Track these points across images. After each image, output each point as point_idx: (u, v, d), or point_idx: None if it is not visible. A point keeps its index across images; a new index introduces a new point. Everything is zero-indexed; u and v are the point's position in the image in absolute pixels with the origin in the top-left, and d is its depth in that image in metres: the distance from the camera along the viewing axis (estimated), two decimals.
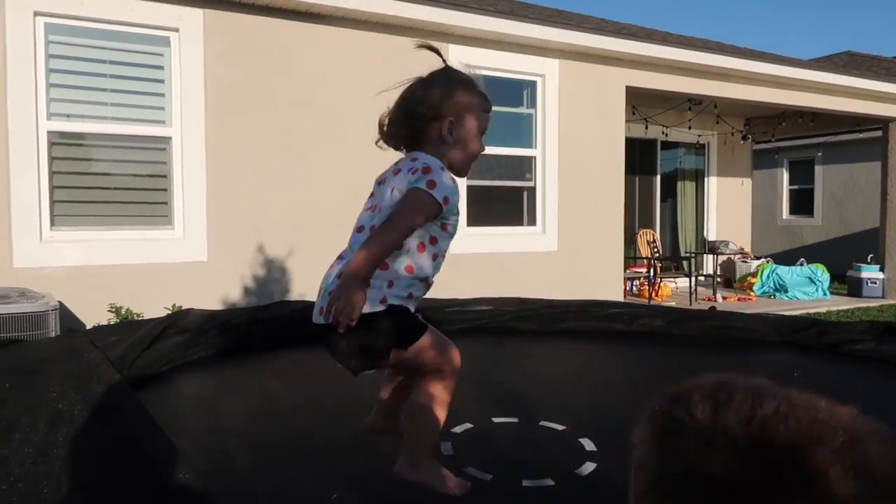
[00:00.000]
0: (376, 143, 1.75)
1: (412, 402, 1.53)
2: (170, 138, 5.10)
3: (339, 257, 1.65)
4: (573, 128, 6.78)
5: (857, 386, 2.07)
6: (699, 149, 10.91)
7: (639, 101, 8.92)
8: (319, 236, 5.56)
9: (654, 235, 10.20)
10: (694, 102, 8.79)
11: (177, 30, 5.04)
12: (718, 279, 10.74)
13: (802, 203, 14.07)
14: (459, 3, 6.13)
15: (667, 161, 10.96)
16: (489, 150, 6.95)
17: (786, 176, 14.40)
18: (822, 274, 9.70)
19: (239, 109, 5.28)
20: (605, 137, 6.99)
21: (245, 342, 2.63)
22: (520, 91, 6.71)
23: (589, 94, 6.87)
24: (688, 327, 2.84)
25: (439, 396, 1.50)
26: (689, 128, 9.70)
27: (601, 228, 7.04)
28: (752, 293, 9.60)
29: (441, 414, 1.50)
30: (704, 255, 10.53)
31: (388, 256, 1.48)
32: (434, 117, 1.65)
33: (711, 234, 10.86)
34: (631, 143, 10.34)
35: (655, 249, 9.80)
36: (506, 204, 6.91)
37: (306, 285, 5.41)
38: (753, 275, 9.89)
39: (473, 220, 6.53)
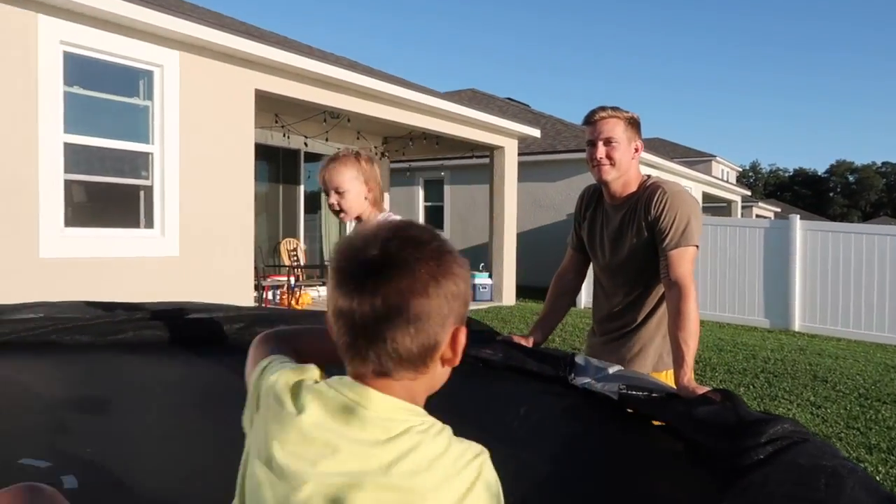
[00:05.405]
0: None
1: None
2: None
3: None
4: (198, 126, 6.39)
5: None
6: None
7: (280, 108, 8.90)
8: None
9: (296, 244, 10.25)
10: (331, 115, 9.07)
11: None
12: None
13: (435, 218, 15.65)
14: None
15: (315, 173, 11.17)
16: (94, 141, 6.12)
17: (421, 193, 15.89)
18: None
19: None
20: (233, 139, 6.74)
21: None
22: (134, 80, 6.09)
23: (215, 92, 6.56)
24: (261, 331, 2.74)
25: None
26: (327, 140, 10.00)
27: (231, 234, 6.76)
28: None
29: None
30: None
31: None
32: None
33: None
34: (274, 153, 10.30)
35: (296, 258, 9.84)
36: (117, 203, 6.19)
37: None
38: None
39: (75, 220, 5.71)
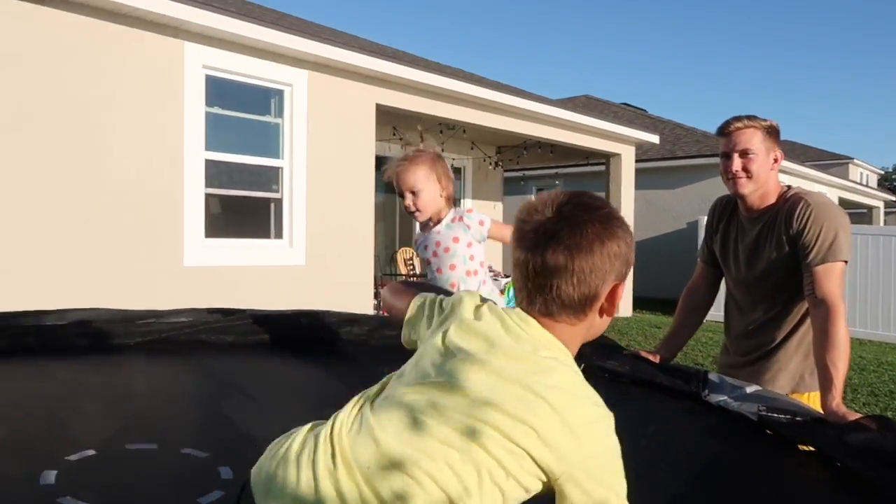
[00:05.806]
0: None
1: None
2: None
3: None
4: (323, 141, 6.71)
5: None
6: (455, 172, 11.50)
7: (398, 121, 9.16)
8: None
9: (412, 253, 10.49)
10: (447, 127, 9.22)
11: None
12: None
13: None
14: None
15: None
16: (230, 157, 6.53)
17: None
18: None
19: None
20: (355, 153, 7.01)
21: None
22: (266, 99, 6.49)
23: (339, 108, 6.86)
24: (388, 335, 2.85)
25: None
26: (442, 150, 10.15)
27: (352, 244, 7.03)
28: None
29: None
30: None
31: None
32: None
33: None
34: None
35: (411, 267, 10.07)
36: (250, 215, 6.61)
37: None
38: (502, 291, 10.60)
39: (213, 231, 6.15)
